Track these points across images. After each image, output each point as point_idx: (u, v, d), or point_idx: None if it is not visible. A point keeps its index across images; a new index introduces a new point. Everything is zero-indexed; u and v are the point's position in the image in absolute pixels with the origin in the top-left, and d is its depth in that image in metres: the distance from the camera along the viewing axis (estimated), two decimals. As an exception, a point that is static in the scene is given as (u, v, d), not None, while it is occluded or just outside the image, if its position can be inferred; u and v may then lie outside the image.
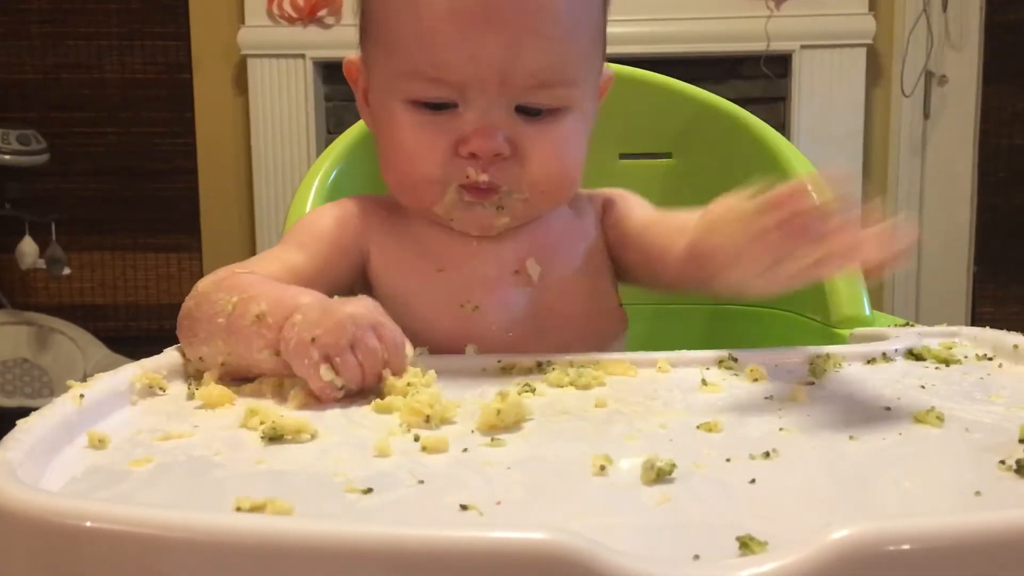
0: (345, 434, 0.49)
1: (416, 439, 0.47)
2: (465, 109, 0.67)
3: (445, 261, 0.73)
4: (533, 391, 0.57)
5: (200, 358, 0.60)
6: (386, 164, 0.73)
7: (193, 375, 0.60)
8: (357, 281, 0.76)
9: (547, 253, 0.75)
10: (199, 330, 0.61)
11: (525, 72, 0.66)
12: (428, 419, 0.49)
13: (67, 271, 2.49)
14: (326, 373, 0.53)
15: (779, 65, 2.53)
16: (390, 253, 0.74)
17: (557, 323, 0.74)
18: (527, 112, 0.68)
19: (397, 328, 0.57)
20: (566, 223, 0.78)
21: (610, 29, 0.74)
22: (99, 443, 0.46)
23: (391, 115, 0.70)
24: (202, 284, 0.64)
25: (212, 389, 0.55)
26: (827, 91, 2.51)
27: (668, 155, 1.10)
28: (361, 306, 0.57)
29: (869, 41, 2.51)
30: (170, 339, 0.64)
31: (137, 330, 2.73)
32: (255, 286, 0.61)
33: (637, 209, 0.80)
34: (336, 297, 0.64)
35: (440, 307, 0.72)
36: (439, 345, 0.69)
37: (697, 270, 0.65)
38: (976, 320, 2.65)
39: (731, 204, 0.60)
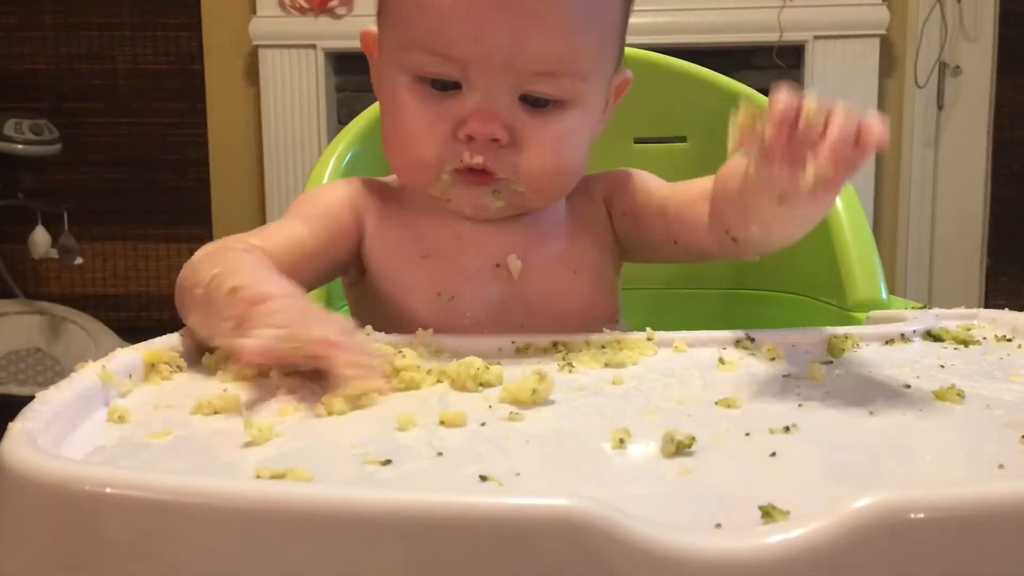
0: (364, 409, 0.49)
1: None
2: (468, 91, 0.67)
3: (430, 248, 0.73)
4: (572, 369, 0.56)
5: (191, 328, 0.61)
6: (386, 142, 0.72)
7: (209, 350, 0.60)
8: (354, 261, 0.76)
9: (532, 250, 0.73)
10: (184, 300, 0.62)
11: (530, 58, 0.65)
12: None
13: (79, 261, 2.49)
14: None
15: (792, 56, 2.51)
16: (382, 236, 0.75)
17: (535, 319, 0.72)
18: (531, 103, 0.67)
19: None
20: (557, 220, 0.76)
21: (621, 19, 0.73)
22: (119, 418, 0.46)
23: (394, 90, 0.69)
24: (196, 254, 0.64)
25: (229, 363, 0.55)
26: (840, 82, 2.49)
27: (683, 139, 1.09)
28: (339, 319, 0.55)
29: (883, 32, 2.49)
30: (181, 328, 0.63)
31: (149, 320, 2.73)
32: (238, 262, 0.62)
33: (652, 181, 0.79)
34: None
35: (418, 294, 0.72)
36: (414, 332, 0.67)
37: (725, 220, 0.68)
38: (989, 312, 2.63)
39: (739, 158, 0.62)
